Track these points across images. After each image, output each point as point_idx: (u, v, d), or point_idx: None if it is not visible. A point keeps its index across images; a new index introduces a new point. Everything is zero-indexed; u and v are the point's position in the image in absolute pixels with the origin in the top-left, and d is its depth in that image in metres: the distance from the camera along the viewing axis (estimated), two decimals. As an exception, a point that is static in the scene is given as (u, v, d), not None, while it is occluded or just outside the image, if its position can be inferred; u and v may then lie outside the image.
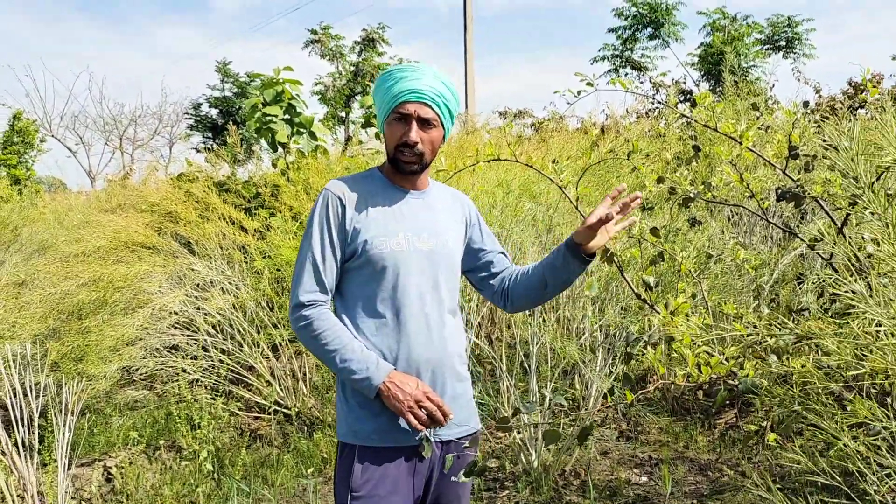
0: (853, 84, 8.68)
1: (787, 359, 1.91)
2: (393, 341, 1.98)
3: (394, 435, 1.96)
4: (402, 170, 2.03)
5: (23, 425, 3.42)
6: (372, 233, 1.98)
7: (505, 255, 2.29)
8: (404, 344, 1.98)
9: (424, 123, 1.99)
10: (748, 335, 1.95)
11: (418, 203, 2.10)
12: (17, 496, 3.34)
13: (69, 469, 3.90)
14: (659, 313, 2.11)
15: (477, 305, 4.94)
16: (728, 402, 4.77)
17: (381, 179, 2.11)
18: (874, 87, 3.39)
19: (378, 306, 1.99)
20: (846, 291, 1.84)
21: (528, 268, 2.18)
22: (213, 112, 30.21)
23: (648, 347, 2.11)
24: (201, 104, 30.35)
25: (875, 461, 1.92)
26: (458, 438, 2.06)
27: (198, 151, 29.37)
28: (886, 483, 1.95)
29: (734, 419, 4.56)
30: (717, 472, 3.94)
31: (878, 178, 2.30)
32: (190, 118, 30.50)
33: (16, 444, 3.46)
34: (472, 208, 2.26)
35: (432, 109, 1.99)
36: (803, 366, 1.79)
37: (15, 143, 23.09)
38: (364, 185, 2.07)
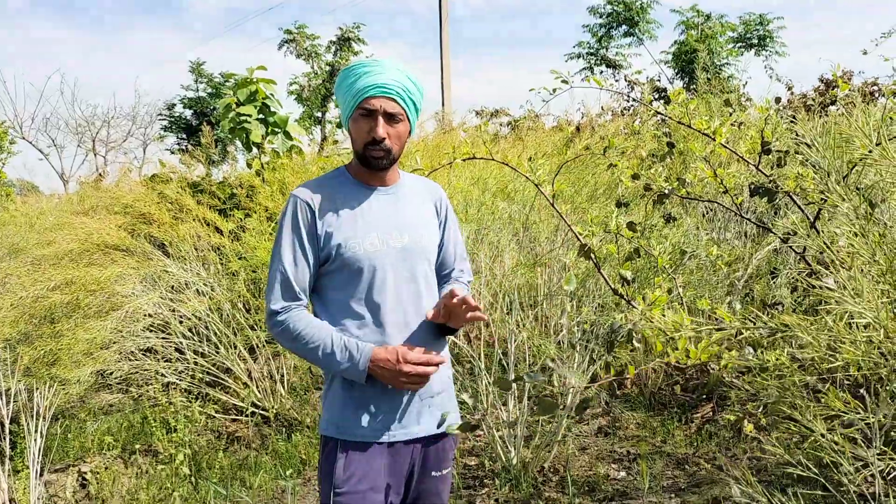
0: (825, 81, 8.79)
1: (762, 352, 1.93)
2: (373, 341, 1.99)
3: (375, 431, 1.98)
4: (371, 166, 2.02)
5: (-6, 431, 3.36)
6: (344, 235, 1.99)
7: (459, 260, 2.30)
8: (385, 343, 1.99)
9: (390, 118, 1.98)
10: (723, 329, 1.97)
11: (388, 199, 2.09)
12: (-11, 504, 3.29)
13: (42, 475, 3.84)
14: (636, 308, 2.11)
15: (455, 304, 4.93)
16: (704, 395, 4.81)
17: (349, 179, 2.09)
18: (844, 83, 3.43)
19: (356, 307, 2.01)
20: (821, 285, 1.86)
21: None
22: (188, 113, 29.91)
23: (634, 342, 2.11)
24: (175, 105, 30.05)
25: (850, 452, 1.94)
26: (432, 434, 2.08)
27: (172, 153, 29.06)
28: (861, 473, 1.97)
29: (711, 413, 4.60)
30: (695, 465, 3.97)
31: (849, 172, 2.33)
32: (164, 119, 30.18)
33: (-13, 451, 3.40)
34: (443, 199, 2.25)
35: (398, 103, 1.98)
36: (778, 358, 1.81)
37: (-16, 146, 22.70)
38: (332, 187, 2.07)
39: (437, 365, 1.98)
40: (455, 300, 1.96)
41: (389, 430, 1.99)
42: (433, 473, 2.07)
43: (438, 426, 2.07)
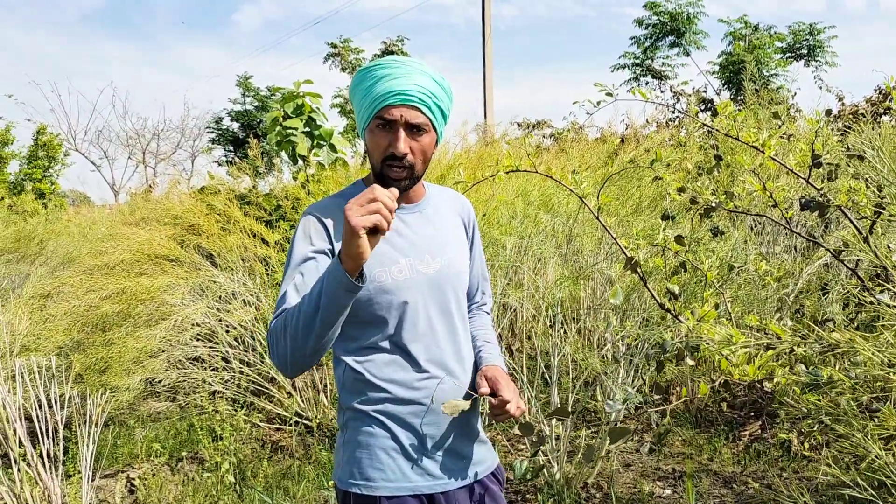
0: (880, 90, 8.60)
1: (815, 369, 1.89)
2: (408, 379, 1.74)
3: (412, 482, 1.73)
4: (389, 186, 1.68)
5: (47, 437, 3.45)
6: (368, 263, 1.66)
7: (482, 281, 2.08)
8: (422, 385, 1.74)
9: (414, 130, 1.69)
10: (774, 345, 1.93)
11: (415, 219, 1.82)
12: (42, 507, 3.37)
13: (93, 480, 3.93)
14: (683, 322, 2.08)
15: (497, 316, 4.92)
16: (753, 413, 4.71)
17: None
18: (899, 94, 3.34)
19: (384, 344, 1.74)
20: (876, 300, 1.82)
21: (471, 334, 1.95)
22: (235, 126, 30.51)
23: (687, 359, 2.06)
24: (223, 118, 30.68)
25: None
26: (475, 481, 1.83)
27: (219, 164, 29.68)
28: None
29: (759, 431, 4.50)
30: (743, 484, 3.89)
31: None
32: (212, 132, 30.82)
33: (41, 456, 3.49)
34: (472, 214, 1.99)
35: (422, 112, 1.69)
36: (831, 376, 1.76)
37: (40, 158, 23.47)
38: None
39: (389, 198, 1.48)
40: (497, 406, 1.72)
41: (427, 480, 1.74)
42: None
43: (480, 471, 1.83)
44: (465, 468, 1.80)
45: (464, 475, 1.79)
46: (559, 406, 4.03)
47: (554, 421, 3.97)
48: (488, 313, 2.11)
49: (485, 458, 1.86)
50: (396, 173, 1.70)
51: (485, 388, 1.76)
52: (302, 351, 1.58)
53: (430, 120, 1.72)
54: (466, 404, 1.75)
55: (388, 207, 1.47)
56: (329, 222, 1.74)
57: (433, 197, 1.90)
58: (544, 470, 3.88)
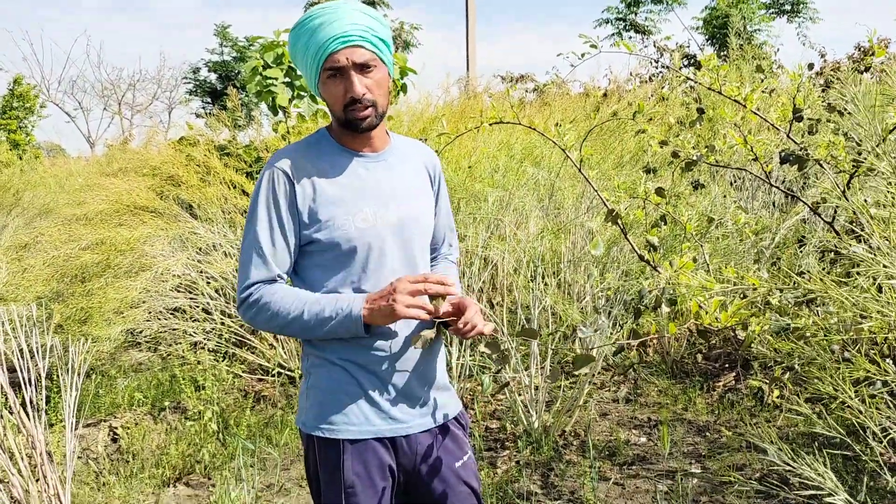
0: (860, 47, 8.62)
1: (790, 318, 1.93)
2: (372, 332, 1.74)
3: (372, 425, 1.76)
4: (358, 128, 1.74)
5: (30, 385, 3.46)
6: (332, 212, 1.73)
7: (448, 233, 2.09)
8: (385, 333, 1.75)
9: (363, 69, 1.70)
10: (751, 294, 1.97)
11: (379, 167, 1.82)
12: (26, 454, 3.39)
13: (76, 429, 3.95)
14: (661, 272, 2.12)
15: (478, 270, 4.95)
16: (727, 365, 4.82)
17: (332, 145, 1.81)
18: (881, 49, 3.36)
19: (348, 291, 1.76)
20: (850, 252, 1.85)
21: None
22: (212, 77, 30.00)
23: (662, 306, 2.10)
24: (200, 69, 30.14)
25: (876, 416, 1.95)
26: (437, 426, 1.86)
27: (198, 116, 29.27)
28: (889, 434, 1.97)
29: (733, 381, 4.60)
30: (716, 433, 3.99)
31: (884, 139, 2.30)
32: (189, 82, 30.31)
33: (23, 404, 3.50)
34: (437, 165, 1.98)
35: (366, 49, 1.70)
36: (806, 322, 1.81)
37: (14, 108, 23.03)
38: (313, 155, 1.79)
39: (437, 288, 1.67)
40: (467, 326, 1.73)
41: (389, 424, 1.76)
42: (456, 465, 1.85)
43: (442, 416, 1.86)
44: (428, 413, 1.83)
45: (426, 420, 1.82)
46: (538, 359, 4.08)
47: (534, 371, 4.03)
48: (454, 263, 2.11)
49: (447, 404, 1.88)
50: (361, 113, 1.71)
51: (446, 308, 1.75)
52: (280, 334, 1.72)
53: (376, 53, 1.72)
54: (432, 332, 1.76)
55: (436, 292, 1.66)
56: (295, 176, 1.74)
57: (399, 147, 1.90)
58: (523, 418, 3.96)
